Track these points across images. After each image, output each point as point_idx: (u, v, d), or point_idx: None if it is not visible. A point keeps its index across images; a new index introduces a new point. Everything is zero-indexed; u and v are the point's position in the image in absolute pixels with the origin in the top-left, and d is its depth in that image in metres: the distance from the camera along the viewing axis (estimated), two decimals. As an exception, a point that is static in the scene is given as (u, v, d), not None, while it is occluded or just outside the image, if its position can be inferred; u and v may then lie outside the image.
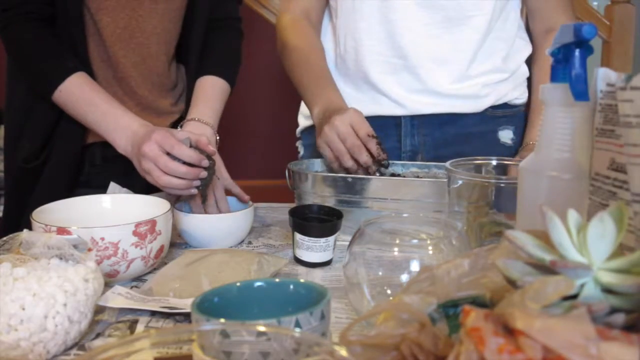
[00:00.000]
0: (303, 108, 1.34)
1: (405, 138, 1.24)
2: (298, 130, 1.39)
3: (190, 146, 0.94)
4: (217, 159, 1.03)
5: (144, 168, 0.93)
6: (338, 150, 1.03)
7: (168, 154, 0.92)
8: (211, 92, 1.17)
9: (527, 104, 1.29)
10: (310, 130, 1.33)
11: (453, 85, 1.20)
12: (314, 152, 1.30)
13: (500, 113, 1.25)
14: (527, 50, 1.26)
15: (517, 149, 1.25)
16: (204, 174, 0.94)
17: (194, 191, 0.95)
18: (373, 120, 1.22)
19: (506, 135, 1.25)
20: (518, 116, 1.28)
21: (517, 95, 1.26)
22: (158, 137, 0.92)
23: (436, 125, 1.23)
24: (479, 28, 1.18)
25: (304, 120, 1.35)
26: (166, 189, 0.95)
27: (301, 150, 1.39)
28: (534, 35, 1.27)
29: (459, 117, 1.23)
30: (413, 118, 1.23)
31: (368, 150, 1.03)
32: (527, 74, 1.27)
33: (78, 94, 1.02)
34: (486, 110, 1.23)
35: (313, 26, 1.28)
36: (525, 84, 1.28)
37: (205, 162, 0.94)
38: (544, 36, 1.24)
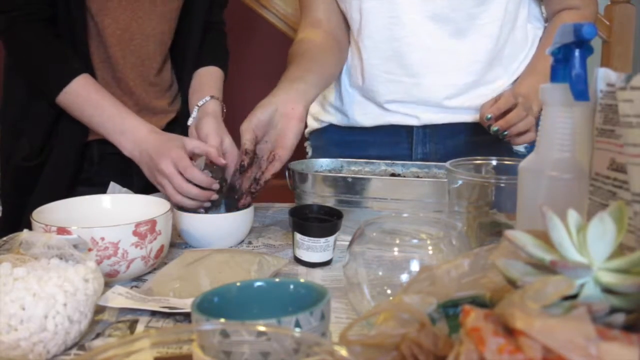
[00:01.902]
0: (312, 109, 1.33)
1: (416, 146, 1.23)
2: (307, 131, 1.38)
3: (205, 165, 0.99)
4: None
5: (159, 182, 0.97)
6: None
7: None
8: (214, 78, 1.22)
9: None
10: (320, 131, 1.33)
11: (467, 95, 1.18)
12: (324, 153, 1.29)
13: None
14: None
15: None
16: (215, 196, 0.98)
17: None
18: (385, 128, 1.21)
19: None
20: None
21: None
22: (174, 155, 0.95)
23: (448, 134, 1.22)
24: (492, 35, 1.15)
25: (312, 121, 1.34)
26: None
27: (309, 151, 1.39)
28: (548, 13, 1.23)
29: (472, 125, 1.20)
30: (425, 127, 1.22)
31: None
32: None
33: (84, 95, 1.02)
34: None
35: (330, 38, 1.22)
36: None
37: (216, 186, 0.97)
38: (558, 14, 1.20)
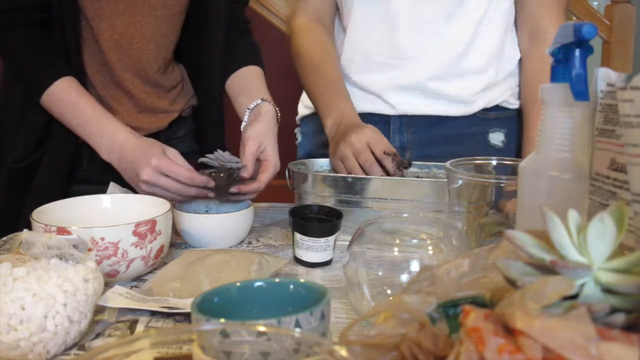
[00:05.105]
0: (303, 97, 1.35)
1: (394, 135, 1.25)
2: (297, 117, 1.41)
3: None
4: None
5: (143, 190, 0.97)
6: (351, 167, 1.03)
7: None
8: (259, 79, 1.20)
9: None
10: (309, 118, 1.35)
11: (447, 81, 1.20)
12: (312, 139, 1.30)
13: (493, 115, 1.25)
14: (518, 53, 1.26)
15: (508, 151, 1.24)
16: (211, 194, 0.98)
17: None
18: (365, 117, 1.22)
19: (497, 138, 1.25)
20: (511, 119, 1.26)
21: (512, 100, 1.26)
22: (155, 164, 0.94)
23: (424, 126, 1.24)
24: (475, 18, 1.18)
25: (303, 108, 1.37)
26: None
27: (299, 137, 1.40)
28: (519, 37, 1.24)
29: (449, 119, 1.23)
30: (402, 117, 1.24)
31: (383, 167, 1.03)
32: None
33: (64, 98, 1.02)
34: (477, 112, 1.23)
35: (326, 28, 1.28)
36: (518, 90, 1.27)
37: (210, 191, 0.98)
38: (529, 40, 1.22)
